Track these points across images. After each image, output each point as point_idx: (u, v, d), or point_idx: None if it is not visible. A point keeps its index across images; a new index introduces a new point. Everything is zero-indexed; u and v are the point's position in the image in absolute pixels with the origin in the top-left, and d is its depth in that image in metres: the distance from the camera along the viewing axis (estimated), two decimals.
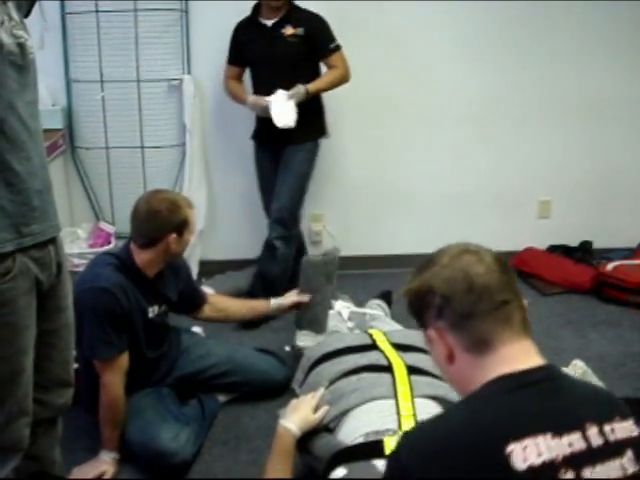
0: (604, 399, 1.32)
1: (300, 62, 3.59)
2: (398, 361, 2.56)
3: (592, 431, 1.22)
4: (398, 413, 2.30)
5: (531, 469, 1.16)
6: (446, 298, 1.32)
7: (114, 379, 2.54)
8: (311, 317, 3.07)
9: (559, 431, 1.20)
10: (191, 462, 2.57)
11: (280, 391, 3.04)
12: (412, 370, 2.51)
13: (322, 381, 2.61)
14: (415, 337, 2.88)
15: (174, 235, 2.55)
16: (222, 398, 2.98)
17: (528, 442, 1.18)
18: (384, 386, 2.42)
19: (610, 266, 4.05)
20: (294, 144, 3.68)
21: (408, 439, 1.28)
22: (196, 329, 3.36)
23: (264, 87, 3.59)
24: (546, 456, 1.17)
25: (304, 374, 2.80)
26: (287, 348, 3.40)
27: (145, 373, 2.72)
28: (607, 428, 1.24)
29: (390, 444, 2.19)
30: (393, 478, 1.27)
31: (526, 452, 1.17)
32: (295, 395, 2.85)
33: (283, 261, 3.75)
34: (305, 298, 3.08)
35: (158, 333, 2.73)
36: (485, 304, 1.30)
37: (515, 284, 1.36)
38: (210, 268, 4.10)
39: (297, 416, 2.32)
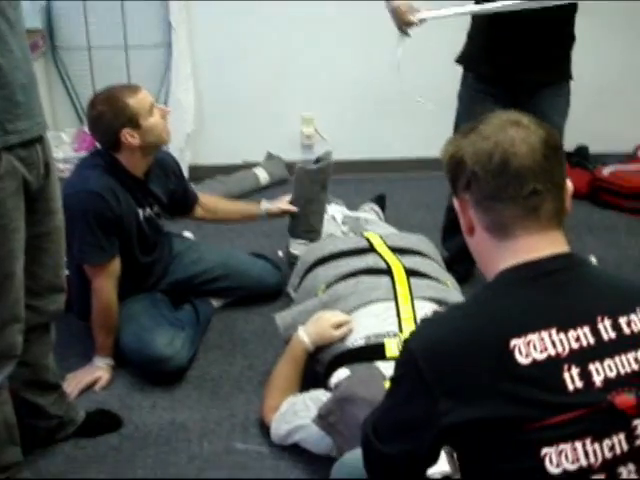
0: (625, 290, 1.26)
1: None
2: (397, 264, 2.51)
3: (604, 324, 1.18)
4: (398, 315, 2.27)
5: (534, 364, 1.13)
6: (475, 174, 1.23)
7: (106, 284, 2.48)
8: (306, 226, 3.00)
9: (566, 326, 1.17)
10: (186, 367, 2.55)
11: (274, 295, 3.02)
12: (411, 273, 2.48)
13: (319, 285, 2.58)
14: (412, 240, 2.84)
15: (127, 130, 2.41)
16: (216, 303, 2.94)
17: (532, 337, 1.14)
18: (383, 289, 2.38)
19: (606, 171, 3.98)
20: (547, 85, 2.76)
21: (418, 330, 1.26)
22: (187, 234, 3.29)
23: None
24: (550, 352, 1.14)
25: (299, 278, 2.76)
26: (280, 253, 3.35)
27: (138, 278, 2.66)
28: (622, 321, 1.19)
29: (391, 346, 2.18)
30: (403, 364, 1.25)
31: (529, 347, 1.14)
32: (290, 299, 2.82)
33: None
34: (295, 208, 2.99)
35: (151, 237, 2.65)
36: (513, 190, 1.21)
37: (560, 173, 1.25)
38: (200, 173, 3.99)
39: (314, 329, 2.29)
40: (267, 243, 3.45)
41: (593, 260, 2.96)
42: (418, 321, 2.24)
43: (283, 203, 3.03)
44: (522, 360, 1.13)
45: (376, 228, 3.13)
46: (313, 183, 2.94)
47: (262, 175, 4.05)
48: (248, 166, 4.09)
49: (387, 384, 2.04)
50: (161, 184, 2.66)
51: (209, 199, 3.02)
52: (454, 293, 2.49)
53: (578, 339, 1.16)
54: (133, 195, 2.51)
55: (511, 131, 1.23)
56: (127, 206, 2.49)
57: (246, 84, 4.00)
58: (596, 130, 4.28)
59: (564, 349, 1.14)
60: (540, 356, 1.13)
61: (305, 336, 2.27)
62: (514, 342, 1.13)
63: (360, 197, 3.81)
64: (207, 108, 4.03)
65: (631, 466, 1.12)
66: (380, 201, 3.62)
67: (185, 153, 3.92)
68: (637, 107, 4.33)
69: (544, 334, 1.15)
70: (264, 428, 2.28)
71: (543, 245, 1.23)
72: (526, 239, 1.23)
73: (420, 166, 4.26)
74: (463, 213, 1.30)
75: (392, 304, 2.31)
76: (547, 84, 2.69)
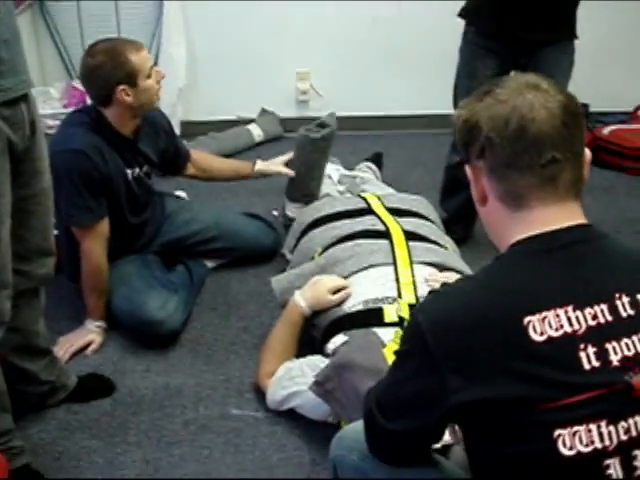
0: None
1: None
2: (395, 226, 2.45)
3: (622, 301, 1.13)
4: (397, 280, 2.22)
5: (549, 342, 1.08)
6: (490, 140, 1.16)
7: (95, 246, 2.42)
8: (304, 191, 2.91)
9: (583, 303, 1.12)
10: (180, 331, 2.50)
11: (269, 256, 2.97)
12: (410, 236, 2.42)
13: (315, 247, 2.52)
14: (411, 201, 2.77)
15: (123, 87, 2.31)
16: (210, 264, 2.88)
17: (547, 314, 1.09)
18: (382, 252, 2.33)
19: (606, 130, 3.91)
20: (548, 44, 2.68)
21: (427, 305, 1.20)
22: (180, 193, 3.21)
23: None
24: (566, 329, 1.09)
25: (295, 239, 2.70)
26: (275, 212, 3.28)
27: (129, 239, 2.60)
28: None
29: (389, 312, 2.13)
30: (410, 339, 1.20)
31: (544, 324, 1.09)
32: (286, 261, 2.77)
33: None
34: (292, 172, 2.90)
35: (141, 197, 2.58)
36: (530, 158, 1.15)
37: (580, 140, 1.18)
38: (192, 129, 3.90)
39: (311, 294, 2.24)
40: (261, 202, 3.38)
41: None
42: (418, 285, 2.20)
43: (279, 165, 2.93)
44: (536, 338, 1.08)
45: (373, 188, 3.06)
46: (315, 151, 2.85)
47: (256, 132, 3.96)
48: (242, 122, 4.01)
49: (385, 350, 2.02)
50: (151, 143, 2.57)
51: (201, 156, 2.94)
52: (453, 256, 2.44)
53: (595, 317, 1.11)
54: (121, 154, 2.43)
55: (529, 95, 1.16)
56: (114, 165, 2.41)
57: (240, 38, 3.88)
58: (596, 89, 4.18)
59: (580, 327, 1.10)
60: (556, 334, 1.08)
61: (302, 300, 2.22)
62: (528, 319, 1.09)
63: (356, 155, 3.73)
64: (200, 63, 3.92)
65: None
66: (377, 159, 3.54)
67: (177, 109, 3.83)
68: (638, 66, 4.24)
69: (560, 311, 1.10)
70: (259, 393, 2.24)
71: (560, 216, 1.17)
72: (542, 210, 1.17)
73: (417, 123, 4.18)
74: (475, 181, 1.23)
75: (391, 269, 2.26)
76: (551, 43, 2.61)
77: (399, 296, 2.17)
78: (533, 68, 2.62)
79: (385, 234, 2.41)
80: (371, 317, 2.13)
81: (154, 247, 2.71)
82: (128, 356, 2.43)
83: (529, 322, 1.08)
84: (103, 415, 2.18)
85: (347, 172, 3.30)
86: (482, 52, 2.64)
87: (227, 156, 3.80)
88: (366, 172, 3.37)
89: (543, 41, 2.59)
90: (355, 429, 1.46)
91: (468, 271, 2.40)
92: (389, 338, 2.06)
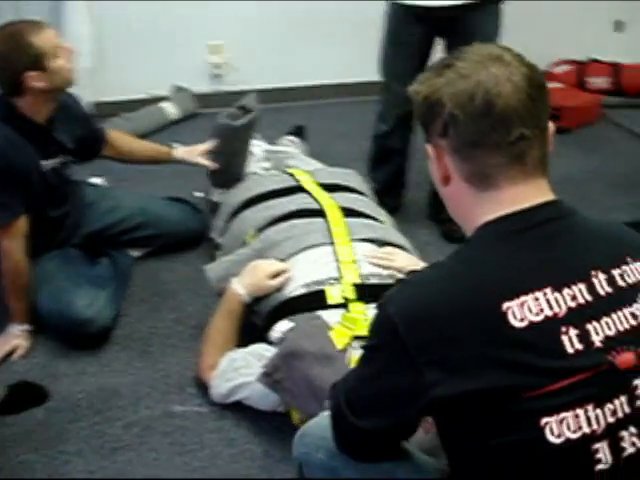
0: (615, 239, 1.18)
1: None
2: (330, 203, 2.39)
3: (599, 279, 1.10)
4: (337, 260, 2.16)
5: (530, 327, 1.04)
6: (454, 117, 1.10)
7: (14, 245, 2.26)
8: (228, 177, 2.78)
9: (561, 284, 1.08)
10: (111, 327, 2.37)
11: (197, 241, 2.85)
12: (346, 212, 2.36)
13: (247, 229, 2.43)
14: (342, 175, 2.71)
15: (32, 73, 2.16)
16: (135, 253, 2.75)
17: (526, 298, 1.05)
18: (319, 232, 2.26)
19: None
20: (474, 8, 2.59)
21: (396, 295, 1.13)
22: (96, 180, 3.05)
23: None
24: (547, 313, 1.05)
25: (224, 222, 2.60)
26: (197, 194, 3.16)
27: (49, 234, 2.44)
28: (616, 273, 1.11)
29: (332, 293, 2.07)
30: (381, 332, 1.14)
31: (524, 310, 1.04)
32: (215, 245, 2.66)
33: None
34: (214, 165, 2.76)
35: (60, 189, 2.42)
36: (498, 135, 1.09)
37: (545, 113, 1.12)
38: (102, 110, 3.69)
39: (250, 280, 2.14)
40: (182, 184, 3.23)
41: None
42: (359, 264, 2.14)
43: (197, 157, 2.77)
44: (517, 324, 1.04)
45: (299, 163, 2.97)
46: (237, 139, 2.73)
47: (170, 110, 3.81)
48: (154, 100, 3.84)
49: (332, 334, 1.97)
50: (66, 130, 2.41)
51: (118, 137, 2.76)
52: (391, 231, 2.40)
53: (574, 297, 1.07)
54: (36, 145, 2.27)
55: (493, 68, 1.10)
56: (29, 158, 2.25)
57: (147, 12, 3.70)
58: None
59: (561, 309, 1.06)
60: (536, 318, 1.04)
61: (240, 288, 2.13)
62: (507, 305, 1.04)
63: (276, 128, 3.62)
64: (106, 40, 3.70)
65: (632, 429, 1.05)
66: (299, 132, 3.45)
67: (84, 90, 3.60)
68: (551, 25, 4.26)
69: (539, 294, 1.06)
70: (201, 387, 2.16)
71: (529, 194, 1.12)
72: (511, 189, 1.11)
73: (337, 92, 4.11)
74: (438, 161, 1.17)
75: (330, 248, 2.20)
76: (475, 6, 2.56)
77: (340, 276, 2.11)
78: (458, 33, 2.58)
79: (320, 212, 2.35)
80: (314, 300, 2.07)
81: (76, 240, 2.56)
82: (58, 359, 2.29)
83: (508, 308, 1.04)
84: (38, 425, 2.05)
85: (270, 147, 3.19)
86: (406, 17, 2.57)
87: (142, 136, 3.65)
88: (290, 146, 3.28)
89: (467, 5, 2.54)
90: (319, 425, 1.40)
91: (407, 245, 2.36)
92: (335, 320, 2.01)
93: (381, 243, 2.28)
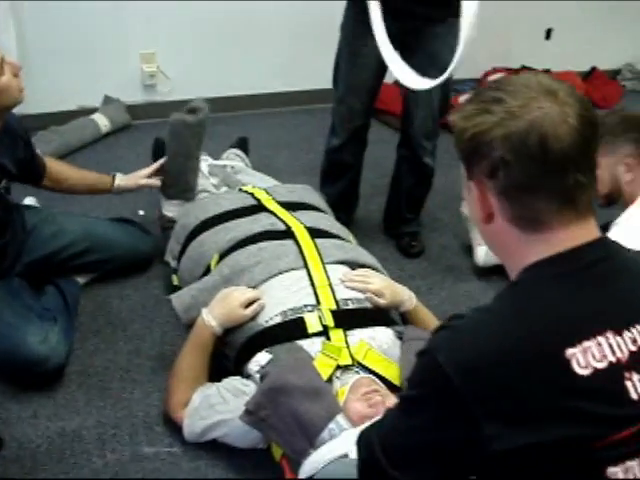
0: None
1: None
2: (296, 224, 2.29)
3: None
4: (312, 285, 2.06)
5: (595, 375, 0.98)
6: (504, 161, 1.02)
7: None
8: (183, 185, 2.63)
9: (621, 327, 1.03)
10: (65, 364, 2.19)
11: (146, 264, 2.69)
12: (312, 232, 2.26)
13: (209, 252, 2.30)
14: (300, 192, 2.61)
15: None
16: (81, 280, 2.56)
17: (589, 344, 0.99)
18: (290, 255, 2.16)
19: (462, 99, 3.92)
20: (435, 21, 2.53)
21: (445, 343, 1.05)
22: (29, 200, 2.84)
23: None
24: (610, 359, 1.00)
25: (180, 245, 2.46)
26: (141, 212, 3.00)
27: None
28: None
29: (311, 321, 1.97)
30: (429, 383, 1.06)
31: (587, 356, 0.99)
32: (167, 268, 2.52)
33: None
34: (157, 183, 2.62)
35: (1, 215, 2.22)
36: (551, 181, 1.02)
37: (595, 152, 1.06)
38: (29, 123, 3.40)
39: (221, 310, 2.01)
40: (122, 203, 3.06)
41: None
42: (334, 288, 2.05)
43: (139, 178, 2.62)
44: (581, 372, 0.98)
45: (250, 178, 2.86)
46: (192, 137, 2.58)
47: (102, 121, 3.60)
48: (85, 112, 3.62)
49: (316, 364, 1.87)
50: (8, 153, 2.21)
51: (56, 166, 2.56)
52: (361, 251, 2.32)
53: (635, 340, 1.02)
54: None
55: (546, 105, 1.02)
56: None
57: (75, 20, 3.46)
58: None
59: (623, 354, 1.01)
60: (600, 365, 0.99)
61: (212, 319, 2.00)
62: (570, 351, 0.98)
63: (214, 140, 3.47)
64: (32, 49, 3.44)
65: None
66: (243, 145, 3.32)
67: None
68: (484, 34, 4.27)
69: (601, 339, 1.00)
70: (170, 424, 2.03)
71: (579, 234, 1.06)
72: (562, 231, 1.06)
73: (273, 102, 4.00)
74: (481, 199, 1.09)
75: (303, 272, 2.10)
76: (438, 20, 2.50)
77: (317, 302, 2.01)
78: (420, 47, 2.52)
79: (288, 233, 2.24)
80: (293, 329, 1.97)
81: (18, 268, 2.35)
82: (9, 402, 2.09)
83: (572, 355, 0.98)
84: None
85: (216, 162, 3.05)
86: (366, 30, 2.48)
87: (73, 151, 3.46)
88: (235, 160, 3.15)
89: (430, 18, 2.48)
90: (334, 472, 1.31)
91: (377, 265, 2.29)
92: (316, 349, 1.92)
93: (353, 264, 2.20)
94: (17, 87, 2.08)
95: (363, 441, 1.18)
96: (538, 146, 1.01)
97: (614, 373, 0.99)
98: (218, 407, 1.90)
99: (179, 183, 2.61)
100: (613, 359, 1.00)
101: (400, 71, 2.37)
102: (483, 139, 1.04)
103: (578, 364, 0.98)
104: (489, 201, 1.08)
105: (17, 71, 2.08)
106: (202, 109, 2.60)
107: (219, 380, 1.97)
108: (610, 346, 1.00)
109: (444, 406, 1.02)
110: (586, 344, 0.99)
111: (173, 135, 2.58)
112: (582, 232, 1.06)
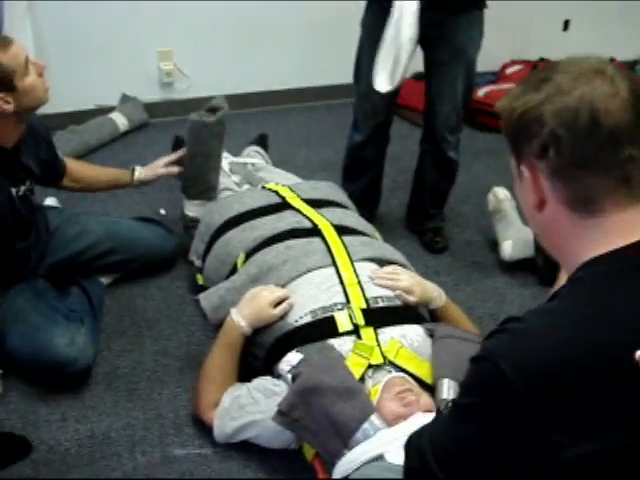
0: None
1: None
2: (322, 221, 2.27)
3: None
4: (342, 283, 2.04)
5: None
6: (556, 137, 0.99)
7: None
8: (204, 185, 2.60)
9: None
10: (92, 366, 2.17)
11: (170, 264, 2.67)
12: (339, 230, 2.23)
13: (235, 251, 2.28)
14: (324, 189, 2.59)
15: (0, 95, 1.96)
16: (105, 280, 2.55)
17: None
18: (318, 253, 2.13)
19: (481, 92, 3.89)
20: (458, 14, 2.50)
21: (509, 349, 1.00)
22: (50, 201, 2.82)
23: None
24: None
25: (205, 244, 2.44)
26: (162, 211, 2.98)
27: (15, 268, 2.22)
28: None
29: (342, 320, 1.95)
30: (490, 390, 1.01)
31: None
32: (196, 268, 2.49)
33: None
34: (176, 170, 2.60)
35: (27, 218, 2.20)
36: (605, 156, 0.99)
37: None
38: (48, 123, 3.41)
39: (250, 310, 1.99)
40: (144, 201, 3.05)
41: (502, 191, 2.83)
42: (364, 286, 2.03)
43: (157, 168, 2.59)
44: None
45: (273, 176, 2.83)
46: (212, 137, 2.55)
47: (120, 120, 3.58)
48: (103, 111, 3.60)
49: (348, 363, 1.84)
50: (32, 154, 2.20)
51: (75, 165, 2.55)
52: (388, 248, 2.30)
53: None
54: (3, 171, 2.05)
55: (596, 82, 0.99)
56: (3, 192, 2.04)
57: (92, 19, 3.44)
58: None
59: None
60: None
61: (241, 319, 1.98)
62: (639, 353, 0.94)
63: (233, 137, 3.46)
64: (49, 48, 3.41)
65: None
66: (263, 142, 3.30)
67: None
68: (502, 25, 4.23)
69: None
70: (200, 425, 2.01)
71: (633, 220, 1.02)
72: (617, 216, 1.02)
73: (291, 98, 3.97)
74: (533, 182, 1.05)
75: (332, 270, 2.07)
76: (460, 12, 2.47)
77: (347, 301, 1.99)
78: (443, 39, 2.50)
79: (315, 231, 2.22)
80: (324, 328, 1.94)
81: (42, 270, 2.34)
82: (36, 405, 2.08)
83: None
84: None
85: (237, 159, 3.03)
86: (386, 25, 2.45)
87: (92, 150, 3.44)
88: (256, 157, 3.13)
89: (453, 10, 2.45)
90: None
91: (405, 261, 2.27)
92: (347, 349, 1.89)
93: (381, 262, 2.18)
94: (42, 87, 2.06)
95: (413, 446, 1.15)
96: (589, 120, 0.98)
97: None
98: (249, 408, 1.88)
99: (200, 183, 2.59)
100: None
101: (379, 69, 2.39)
102: (532, 115, 1.01)
103: None
104: (541, 184, 1.04)
105: (41, 71, 2.07)
106: (222, 108, 2.56)
107: (247, 380, 1.96)
108: None
109: (508, 415, 0.98)
110: None
111: (192, 136, 2.55)
112: (637, 217, 1.02)
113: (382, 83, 2.40)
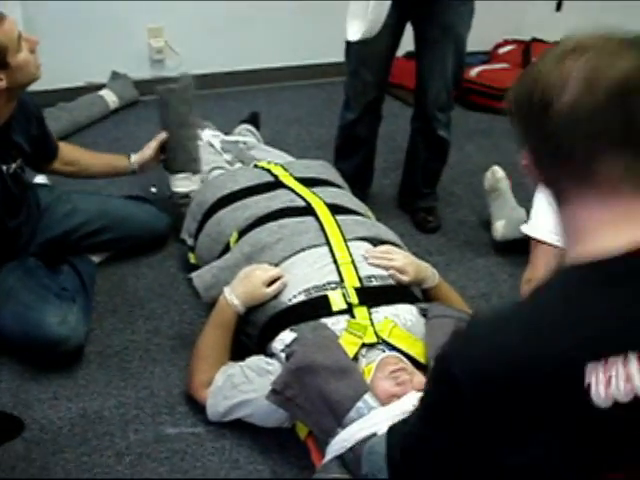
0: None
1: None
2: (316, 200, 2.26)
3: None
4: (335, 262, 2.03)
5: (615, 405, 0.90)
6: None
7: None
8: (184, 155, 2.59)
9: None
10: (84, 344, 2.16)
11: (161, 242, 2.65)
12: (333, 209, 2.22)
13: (227, 230, 2.27)
14: (317, 168, 2.57)
15: None
16: (96, 258, 2.53)
17: (612, 368, 0.89)
18: (311, 232, 2.13)
19: (474, 72, 3.87)
20: None
21: (459, 344, 1.00)
22: (40, 179, 2.79)
23: None
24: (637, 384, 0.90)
25: (197, 222, 2.43)
26: (153, 189, 2.95)
27: (6, 246, 2.20)
28: None
29: (335, 299, 1.94)
30: (441, 387, 1.01)
31: (611, 383, 0.89)
32: (188, 247, 2.48)
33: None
34: (163, 136, 2.57)
35: (17, 195, 2.18)
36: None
37: None
38: (36, 101, 3.41)
39: (243, 289, 1.97)
40: (134, 180, 3.01)
41: (500, 171, 2.82)
42: (357, 265, 2.02)
43: (150, 148, 2.57)
44: (601, 403, 0.90)
45: (265, 154, 2.82)
46: (180, 103, 2.55)
47: (110, 98, 3.54)
48: (92, 88, 3.57)
49: (342, 342, 1.84)
50: (23, 131, 2.17)
51: (69, 149, 2.52)
52: (382, 227, 2.29)
53: None
54: None
55: (631, 54, 0.94)
56: None
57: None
58: None
59: None
60: (624, 398, 0.90)
61: (234, 298, 1.98)
62: (590, 370, 0.90)
63: (225, 115, 3.45)
64: (38, 25, 3.35)
65: None
66: (254, 120, 3.28)
67: None
68: (494, 5, 4.21)
69: (628, 363, 0.90)
70: (193, 404, 2.01)
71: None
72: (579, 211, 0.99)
73: (282, 76, 3.94)
74: None
75: (325, 249, 2.07)
76: None
77: (341, 280, 1.98)
78: (433, 17, 2.49)
79: (308, 210, 2.21)
80: (317, 307, 1.94)
81: (33, 248, 2.33)
82: (28, 384, 2.07)
83: (590, 382, 0.89)
84: (18, 461, 1.84)
85: (228, 138, 3.01)
86: None
87: (82, 128, 3.41)
88: (247, 135, 3.11)
89: None
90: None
91: (398, 241, 2.26)
92: (340, 327, 1.89)
93: (375, 241, 2.17)
94: (34, 63, 2.04)
95: (390, 439, 1.19)
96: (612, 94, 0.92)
97: (636, 405, 0.90)
98: (242, 387, 1.88)
99: (179, 154, 2.58)
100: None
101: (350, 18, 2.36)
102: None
103: (597, 391, 0.89)
104: None
105: (34, 46, 2.04)
106: (183, 76, 2.62)
107: (241, 359, 1.96)
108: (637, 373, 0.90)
109: (459, 418, 0.97)
110: (609, 368, 0.89)
111: (162, 106, 2.57)
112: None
113: (353, 32, 2.37)
